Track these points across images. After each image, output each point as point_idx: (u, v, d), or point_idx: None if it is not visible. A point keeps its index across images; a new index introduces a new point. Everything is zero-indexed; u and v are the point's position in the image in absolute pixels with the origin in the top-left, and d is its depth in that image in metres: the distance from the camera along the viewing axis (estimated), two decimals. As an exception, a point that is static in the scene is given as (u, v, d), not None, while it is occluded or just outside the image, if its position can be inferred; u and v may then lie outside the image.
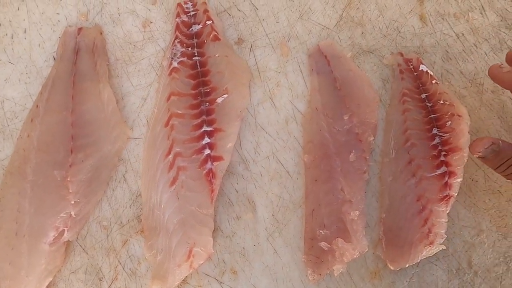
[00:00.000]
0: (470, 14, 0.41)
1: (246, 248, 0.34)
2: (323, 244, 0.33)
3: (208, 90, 0.35)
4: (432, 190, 0.34)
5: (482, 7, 0.41)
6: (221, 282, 0.33)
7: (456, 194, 0.34)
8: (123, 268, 0.32)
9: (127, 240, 0.33)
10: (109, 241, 0.33)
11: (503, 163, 0.28)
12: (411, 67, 0.39)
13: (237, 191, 0.35)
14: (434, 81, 0.38)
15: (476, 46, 0.41)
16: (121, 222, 0.33)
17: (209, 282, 0.33)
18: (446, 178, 0.34)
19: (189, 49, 0.36)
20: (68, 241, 0.32)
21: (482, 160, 0.29)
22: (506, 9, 0.41)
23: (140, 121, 0.36)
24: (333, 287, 0.33)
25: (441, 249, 0.33)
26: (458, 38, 0.41)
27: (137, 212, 0.34)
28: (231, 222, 0.34)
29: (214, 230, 0.34)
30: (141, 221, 0.33)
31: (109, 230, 0.33)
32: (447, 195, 0.34)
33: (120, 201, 0.34)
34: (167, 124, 0.34)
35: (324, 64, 0.38)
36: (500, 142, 0.27)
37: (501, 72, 0.29)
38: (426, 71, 0.38)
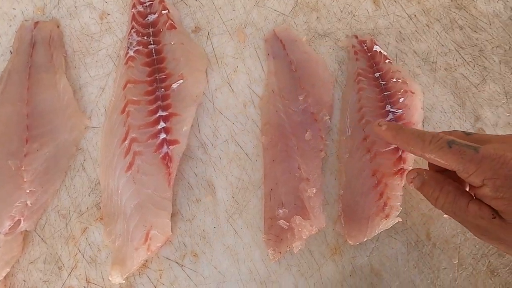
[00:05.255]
0: (421, -4, 0.42)
1: (206, 230, 0.34)
2: (281, 222, 0.33)
3: (164, 76, 0.35)
4: (387, 164, 0.35)
5: (432, -12, 0.43)
6: (182, 265, 0.33)
7: (410, 167, 0.35)
8: (83, 256, 0.32)
9: (86, 227, 0.33)
10: (68, 230, 0.33)
11: (433, 192, 0.29)
12: (365, 48, 0.40)
13: (196, 175, 0.35)
14: (388, 60, 0.39)
15: (428, 26, 0.42)
16: (80, 210, 0.33)
17: (170, 266, 0.33)
18: (400, 152, 0.35)
19: (145, 38, 0.37)
20: (26, 231, 0.32)
21: (419, 190, 0.30)
22: (455, -10, 0.43)
23: (98, 111, 0.36)
24: (294, 265, 0.34)
25: (397, 221, 0.34)
26: (410, 19, 0.42)
27: (96, 199, 0.34)
28: (191, 205, 0.34)
29: (174, 214, 0.34)
30: (100, 208, 0.33)
31: (68, 219, 0.33)
32: (401, 169, 0.34)
33: (79, 190, 0.34)
34: (123, 111, 0.34)
35: (280, 48, 0.39)
36: (425, 172, 0.29)
37: (380, 129, 0.31)
38: (380, 51, 0.39)
